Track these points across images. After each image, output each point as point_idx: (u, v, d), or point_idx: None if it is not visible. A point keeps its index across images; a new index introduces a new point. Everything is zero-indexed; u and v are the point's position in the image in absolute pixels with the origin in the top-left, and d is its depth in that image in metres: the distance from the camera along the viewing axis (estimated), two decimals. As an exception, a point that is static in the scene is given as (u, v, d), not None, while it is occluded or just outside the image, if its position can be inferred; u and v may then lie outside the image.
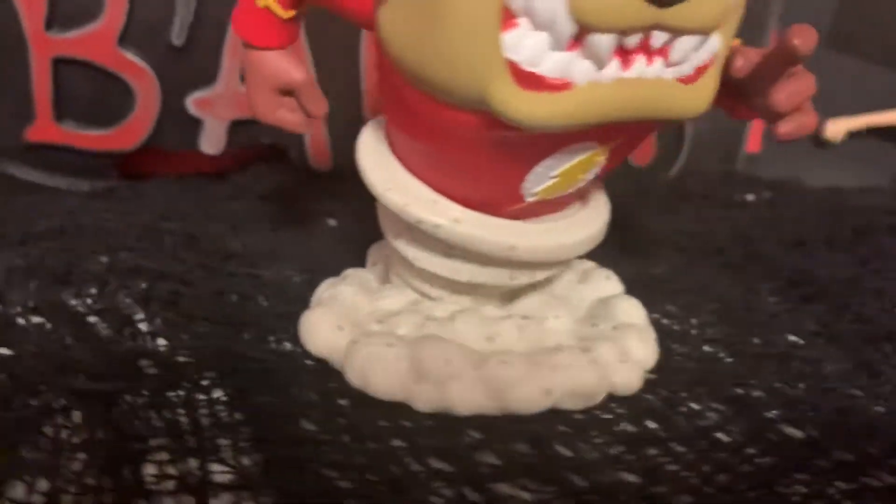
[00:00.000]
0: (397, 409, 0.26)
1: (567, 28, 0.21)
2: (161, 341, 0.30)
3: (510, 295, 0.30)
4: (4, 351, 0.28)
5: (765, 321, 0.34)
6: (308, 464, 0.23)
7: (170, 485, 0.22)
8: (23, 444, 0.23)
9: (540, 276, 0.29)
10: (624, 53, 0.22)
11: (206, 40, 0.41)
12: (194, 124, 0.43)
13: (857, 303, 0.34)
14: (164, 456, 0.23)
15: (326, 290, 0.31)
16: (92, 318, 0.31)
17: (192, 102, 0.42)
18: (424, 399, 0.26)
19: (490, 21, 0.21)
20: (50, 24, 0.40)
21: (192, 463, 0.23)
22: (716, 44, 0.24)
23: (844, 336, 0.32)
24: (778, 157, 0.53)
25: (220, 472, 0.23)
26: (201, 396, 0.27)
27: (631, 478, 0.24)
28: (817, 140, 0.54)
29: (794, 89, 0.26)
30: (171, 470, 0.23)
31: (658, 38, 0.22)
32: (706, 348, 0.32)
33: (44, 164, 0.43)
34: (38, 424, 0.24)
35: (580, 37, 0.21)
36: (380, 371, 0.26)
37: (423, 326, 0.28)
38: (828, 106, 0.54)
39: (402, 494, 0.22)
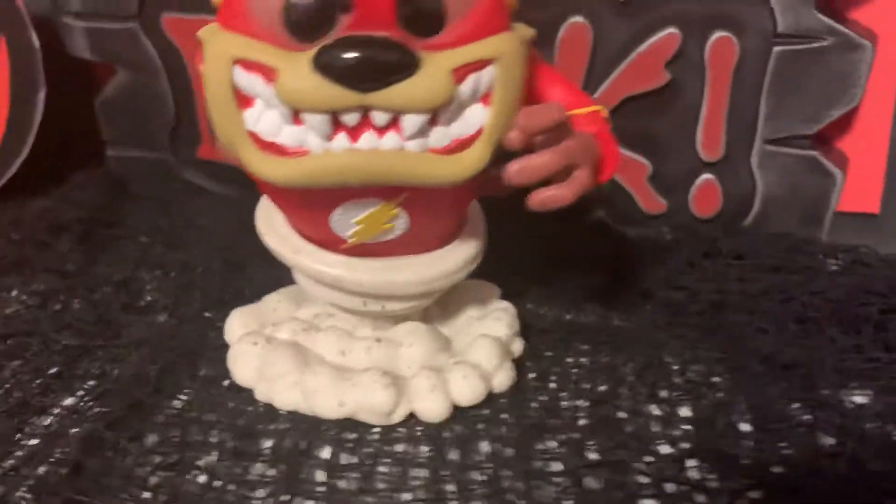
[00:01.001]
0: (245, 393, 0.33)
1: (287, 110, 0.26)
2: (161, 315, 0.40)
3: (389, 318, 0.35)
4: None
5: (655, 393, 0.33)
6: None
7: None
8: None
9: (393, 306, 0.33)
10: (350, 130, 0.26)
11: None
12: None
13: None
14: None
15: (267, 295, 0.38)
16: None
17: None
18: (260, 392, 0.33)
19: (228, 101, 0.27)
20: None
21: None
22: (481, 119, 0.27)
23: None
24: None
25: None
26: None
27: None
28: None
29: (526, 163, 0.27)
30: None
31: (379, 117, 0.26)
32: (565, 403, 0.33)
33: (212, 175, 0.56)
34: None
35: (298, 115, 0.26)
36: (239, 364, 0.33)
37: (296, 334, 0.34)
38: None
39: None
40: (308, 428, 0.31)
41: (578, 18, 0.45)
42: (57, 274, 0.43)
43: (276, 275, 0.37)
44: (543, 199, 0.28)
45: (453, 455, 0.30)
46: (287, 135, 0.27)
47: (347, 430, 0.31)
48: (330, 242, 0.32)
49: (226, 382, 0.34)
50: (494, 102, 0.27)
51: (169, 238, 0.48)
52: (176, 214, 0.51)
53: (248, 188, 0.50)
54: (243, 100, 0.27)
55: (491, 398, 0.33)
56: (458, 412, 0.32)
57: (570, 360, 0.36)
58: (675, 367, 0.35)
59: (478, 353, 0.33)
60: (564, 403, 0.33)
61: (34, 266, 0.43)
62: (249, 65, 0.26)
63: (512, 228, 0.38)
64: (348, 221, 0.30)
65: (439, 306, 0.36)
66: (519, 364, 0.35)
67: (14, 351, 0.36)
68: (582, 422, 0.31)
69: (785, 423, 0.30)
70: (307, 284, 0.34)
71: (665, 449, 0.30)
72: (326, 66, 0.25)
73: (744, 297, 0.39)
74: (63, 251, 0.45)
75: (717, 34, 0.44)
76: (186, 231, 0.49)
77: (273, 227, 0.33)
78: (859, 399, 0.32)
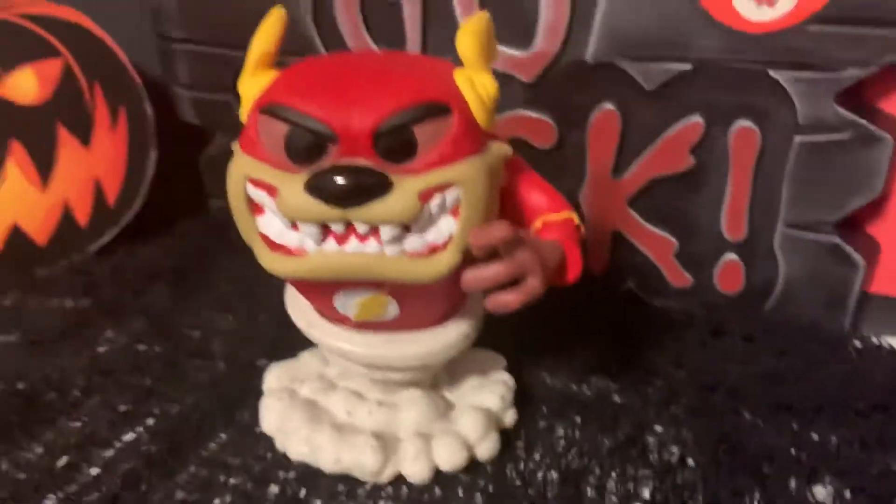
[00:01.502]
0: (268, 441, 0.39)
1: (286, 219, 0.32)
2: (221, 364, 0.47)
3: (398, 384, 0.39)
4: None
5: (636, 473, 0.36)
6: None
7: None
8: None
9: (394, 375, 0.38)
10: (337, 235, 0.32)
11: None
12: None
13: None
14: None
15: (304, 352, 0.44)
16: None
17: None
18: (279, 442, 0.38)
19: (243, 209, 0.33)
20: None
21: None
22: (450, 228, 0.32)
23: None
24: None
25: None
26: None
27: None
28: None
29: (478, 272, 0.31)
30: None
31: (361, 227, 0.31)
32: (538, 476, 0.36)
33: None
34: None
35: (295, 223, 0.32)
36: (265, 415, 0.39)
37: (315, 393, 0.40)
38: None
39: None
40: (310, 478, 0.36)
41: (609, 105, 0.48)
42: (145, 317, 0.50)
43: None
44: (493, 303, 0.32)
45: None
46: (289, 238, 0.32)
47: (342, 483, 0.36)
48: (340, 318, 0.37)
49: (257, 430, 0.40)
50: (461, 216, 0.31)
51: (246, 287, 0.55)
52: (258, 265, 0.58)
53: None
54: (256, 208, 0.33)
55: (476, 465, 0.37)
56: (441, 476, 0.36)
57: (559, 432, 0.39)
58: (653, 447, 0.37)
59: (465, 422, 0.37)
60: (540, 475, 0.36)
61: (129, 310, 0.51)
62: (257, 182, 0.32)
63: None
64: (349, 303, 0.35)
65: (448, 372, 0.41)
66: (512, 432, 0.39)
67: (97, 386, 0.43)
68: (550, 493, 0.35)
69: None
70: (327, 350, 0.40)
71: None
72: (315, 188, 0.30)
73: (741, 378, 0.41)
74: (154, 297, 0.53)
75: (740, 123, 0.45)
76: (261, 282, 0.55)
77: (295, 302, 0.39)
78: (821, 495, 0.34)
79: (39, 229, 0.54)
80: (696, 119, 0.46)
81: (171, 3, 0.56)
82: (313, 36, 0.54)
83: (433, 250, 0.32)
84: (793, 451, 0.36)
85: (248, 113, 0.33)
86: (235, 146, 0.34)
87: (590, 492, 0.35)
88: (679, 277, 0.50)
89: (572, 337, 0.46)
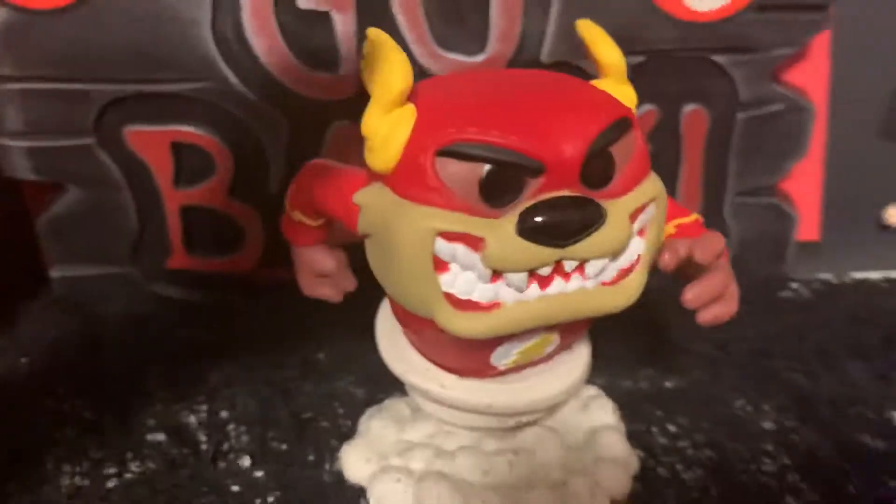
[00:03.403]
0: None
1: (486, 272, 0.27)
2: (246, 460, 0.39)
3: (512, 427, 0.37)
4: (135, 468, 0.38)
5: (754, 446, 0.38)
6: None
7: None
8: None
9: (526, 419, 0.35)
10: (541, 278, 0.28)
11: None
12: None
13: (848, 429, 0.38)
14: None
15: (366, 420, 0.38)
16: (200, 436, 0.40)
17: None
18: (424, 526, 0.33)
19: (427, 270, 0.27)
20: (177, 181, 0.50)
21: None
22: (639, 249, 0.30)
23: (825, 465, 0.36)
24: (840, 245, 0.55)
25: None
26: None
27: None
28: (880, 225, 0.55)
29: (701, 290, 0.30)
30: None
31: (569, 264, 0.28)
32: (689, 474, 0.36)
33: (182, 285, 0.53)
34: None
35: (498, 273, 0.28)
36: (390, 503, 0.34)
37: (432, 462, 0.35)
38: (889, 192, 0.55)
39: None
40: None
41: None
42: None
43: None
44: (712, 317, 0.31)
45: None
46: (482, 292, 0.28)
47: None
48: (474, 371, 0.33)
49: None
50: (650, 235, 0.30)
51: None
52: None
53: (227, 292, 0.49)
54: (440, 265, 0.28)
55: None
56: (611, 505, 0.34)
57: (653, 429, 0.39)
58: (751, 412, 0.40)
59: (607, 444, 0.36)
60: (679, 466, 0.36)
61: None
62: (453, 236, 0.27)
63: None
64: (510, 353, 0.32)
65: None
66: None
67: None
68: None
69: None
70: (429, 406, 0.35)
71: None
72: (532, 229, 0.27)
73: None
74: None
75: (689, 107, 0.49)
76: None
77: (411, 364, 0.34)
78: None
79: None
80: (650, 107, 0.49)
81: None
82: (215, 57, 0.46)
83: (622, 275, 0.30)
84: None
85: (408, 157, 0.28)
86: (373, 194, 0.28)
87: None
88: (642, 258, 0.52)
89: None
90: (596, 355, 0.41)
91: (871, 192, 0.54)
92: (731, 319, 0.46)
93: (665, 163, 0.50)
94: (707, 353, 0.45)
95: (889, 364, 0.42)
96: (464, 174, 0.27)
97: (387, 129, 0.28)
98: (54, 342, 0.48)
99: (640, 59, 0.47)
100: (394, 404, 0.39)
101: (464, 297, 0.28)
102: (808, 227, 0.54)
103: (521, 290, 0.28)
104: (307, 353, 0.47)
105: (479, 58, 0.46)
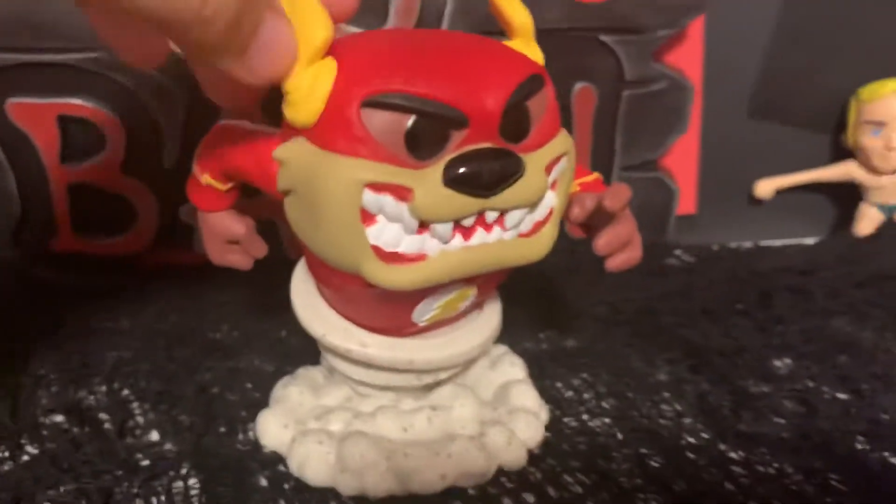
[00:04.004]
0: (327, 493, 0.34)
1: (412, 222, 0.28)
2: (154, 435, 0.37)
3: (429, 386, 0.37)
4: (32, 450, 0.36)
5: (651, 395, 0.40)
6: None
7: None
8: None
9: (443, 375, 0.36)
10: (464, 230, 0.29)
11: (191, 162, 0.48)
12: (189, 229, 0.51)
13: (735, 376, 0.41)
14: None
15: (280, 389, 0.38)
16: (102, 415, 0.39)
17: (185, 212, 0.50)
18: (347, 486, 0.33)
19: (354, 222, 0.28)
20: (64, 158, 0.48)
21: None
22: (551, 202, 0.31)
23: (717, 408, 0.39)
24: (715, 217, 0.59)
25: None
26: (179, 484, 0.34)
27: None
28: (750, 198, 0.60)
29: (612, 237, 0.32)
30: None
31: (490, 215, 0.29)
32: (596, 422, 0.38)
33: (67, 269, 0.51)
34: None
35: (424, 225, 0.28)
36: (312, 465, 0.34)
37: (350, 423, 0.35)
38: (758, 168, 0.60)
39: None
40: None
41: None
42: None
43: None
44: (621, 263, 0.33)
45: (552, 491, 0.34)
46: (408, 244, 0.29)
47: (452, 498, 0.33)
48: (394, 329, 0.34)
49: (286, 485, 0.34)
50: (561, 188, 0.31)
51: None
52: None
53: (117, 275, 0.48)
54: (367, 217, 0.28)
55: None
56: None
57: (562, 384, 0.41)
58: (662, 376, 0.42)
59: (520, 398, 0.37)
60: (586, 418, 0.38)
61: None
62: (381, 186, 0.27)
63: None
64: (430, 308, 0.32)
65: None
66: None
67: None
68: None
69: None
70: (346, 369, 0.35)
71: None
72: (458, 179, 0.27)
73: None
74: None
75: (579, 84, 0.51)
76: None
77: (330, 324, 0.34)
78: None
79: None
80: (543, 84, 0.51)
81: None
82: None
83: (537, 228, 0.32)
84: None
85: (332, 110, 0.28)
86: (296, 149, 0.28)
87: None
88: (536, 231, 0.54)
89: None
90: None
91: (742, 167, 0.59)
92: (620, 284, 0.49)
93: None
94: (602, 314, 0.47)
95: (767, 318, 0.46)
96: (390, 125, 0.27)
97: (309, 81, 0.28)
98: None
99: (532, 37, 0.49)
100: (307, 372, 0.39)
101: (390, 250, 0.29)
102: (685, 201, 0.58)
103: (445, 242, 0.29)
104: (206, 331, 0.46)
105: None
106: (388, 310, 0.33)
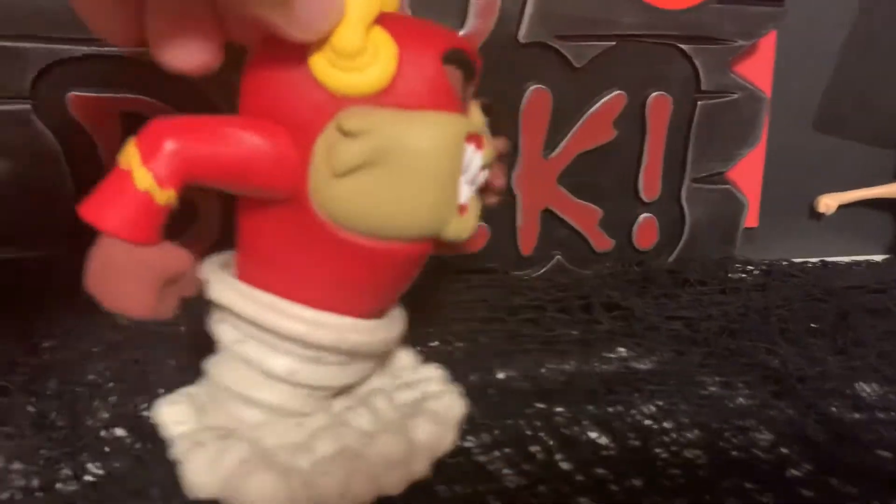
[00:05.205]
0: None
1: (475, 171, 0.30)
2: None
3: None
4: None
5: (735, 421, 0.39)
6: None
7: None
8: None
9: (372, 362, 0.35)
10: None
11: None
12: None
13: (823, 403, 0.39)
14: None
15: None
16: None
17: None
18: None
19: (456, 176, 0.29)
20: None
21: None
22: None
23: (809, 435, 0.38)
24: (776, 231, 0.58)
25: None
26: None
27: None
28: (812, 213, 0.59)
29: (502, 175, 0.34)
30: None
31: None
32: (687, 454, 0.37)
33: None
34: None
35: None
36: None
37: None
38: (821, 183, 0.58)
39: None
40: None
41: (540, 85, 0.48)
42: None
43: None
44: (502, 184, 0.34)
45: None
46: (466, 194, 0.30)
47: None
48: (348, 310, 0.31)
49: None
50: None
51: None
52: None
53: None
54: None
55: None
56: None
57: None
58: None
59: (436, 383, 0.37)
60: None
61: None
62: (471, 137, 0.29)
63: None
64: None
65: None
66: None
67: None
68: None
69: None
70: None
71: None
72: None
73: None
74: None
75: (655, 93, 0.50)
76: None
77: (274, 308, 0.31)
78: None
79: None
80: (618, 92, 0.49)
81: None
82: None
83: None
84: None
85: (407, 69, 0.27)
86: (393, 115, 0.26)
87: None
88: (602, 242, 0.53)
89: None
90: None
91: (806, 181, 0.58)
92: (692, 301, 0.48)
93: (628, 148, 0.51)
94: (675, 332, 0.46)
95: (845, 339, 0.45)
96: (457, 79, 0.29)
97: (374, 44, 0.26)
98: None
99: (610, 43, 0.48)
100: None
101: (462, 202, 0.29)
102: (748, 214, 0.56)
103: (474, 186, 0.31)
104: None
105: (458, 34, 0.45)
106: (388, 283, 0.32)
